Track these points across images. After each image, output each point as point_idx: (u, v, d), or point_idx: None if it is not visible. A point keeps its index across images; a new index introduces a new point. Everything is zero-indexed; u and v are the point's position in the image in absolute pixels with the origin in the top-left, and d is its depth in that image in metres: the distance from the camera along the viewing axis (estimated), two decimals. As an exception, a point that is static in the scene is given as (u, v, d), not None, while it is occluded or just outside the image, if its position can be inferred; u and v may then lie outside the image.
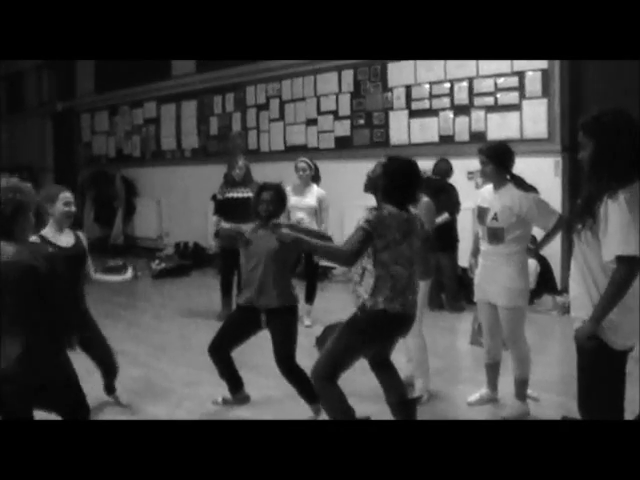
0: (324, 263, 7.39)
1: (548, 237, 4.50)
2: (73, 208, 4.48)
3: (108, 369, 4.83)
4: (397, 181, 3.71)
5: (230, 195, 7.24)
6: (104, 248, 12.51)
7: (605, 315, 2.98)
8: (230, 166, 7.33)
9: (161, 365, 5.86)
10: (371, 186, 3.85)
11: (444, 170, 7.66)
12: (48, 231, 4.42)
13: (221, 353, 4.67)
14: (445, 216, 7.25)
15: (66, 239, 4.47)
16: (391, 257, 3.62)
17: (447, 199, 7.34)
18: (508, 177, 4.44)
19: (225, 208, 7.25)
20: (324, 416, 4.25)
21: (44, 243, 4.30)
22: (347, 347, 3.76)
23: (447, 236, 7.38)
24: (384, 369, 4.02)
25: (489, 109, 8.40)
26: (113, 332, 6.86)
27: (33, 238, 4.31)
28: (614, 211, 2.90)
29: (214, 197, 7.68)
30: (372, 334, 3.75)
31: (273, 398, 4.93)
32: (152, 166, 13.11)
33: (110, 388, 4.94)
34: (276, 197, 4.64)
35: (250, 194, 7.12)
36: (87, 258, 4.63)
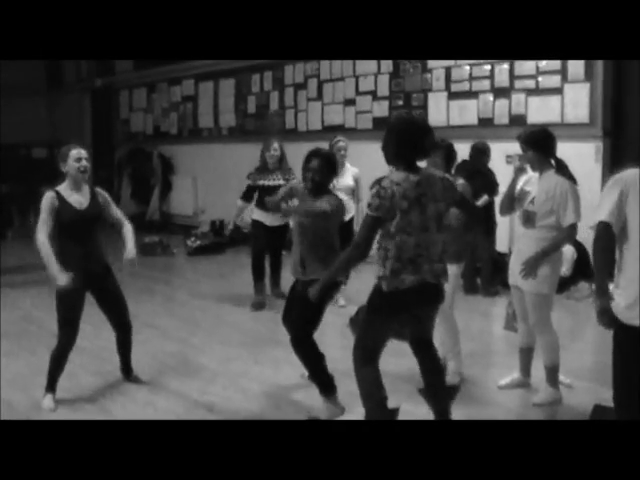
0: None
1: (556, 244, 4.30)
2: (84, 163, 4.46)
3: (121, 329, 4.74)
4: (401, 139, 3.52)
5: (261, 183, 7.07)
6: (140, 225, 12.62)
7: (601, 282, 3.05)
8: (265, 147, 7.17)
9: (195, 341, 5.91)
10: (386, 156, 3.64)
11: (478, 149, 7.43)
12: (63, 188, 4.45)
13: None
14: (485, 198, 7.16)
15: (81, 198, 4.49)
16: (397, 227, 3.44)
17: (483, 181, 7.21)
18: (552, 162, 4.36)
19: (255, 195, 7.15)
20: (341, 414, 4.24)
21: (56, 199, 4.35)
22: (369, 327, 3.72)
23: (484, 219, 7.30)
24: (422, 349, 3.89)
25: (530, 92, 8.25)
26: (148, 307, 7.00)
27: (49, 194, 4.38)
28: None
29: (249, 176, 7.59)
30: (388, 312, 3.62)
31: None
32: (189, 144, 13.16)
33: (127, 369, 4.88)
34: (325, 166, 4.31)
35: (283, 182, 6.88)
36: (101, 217, 4.62)
